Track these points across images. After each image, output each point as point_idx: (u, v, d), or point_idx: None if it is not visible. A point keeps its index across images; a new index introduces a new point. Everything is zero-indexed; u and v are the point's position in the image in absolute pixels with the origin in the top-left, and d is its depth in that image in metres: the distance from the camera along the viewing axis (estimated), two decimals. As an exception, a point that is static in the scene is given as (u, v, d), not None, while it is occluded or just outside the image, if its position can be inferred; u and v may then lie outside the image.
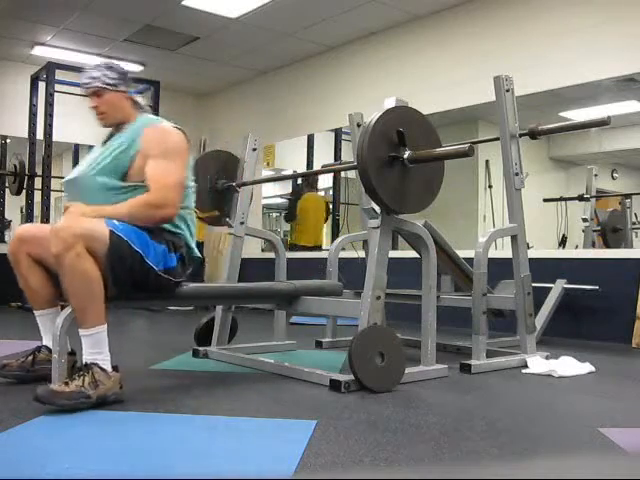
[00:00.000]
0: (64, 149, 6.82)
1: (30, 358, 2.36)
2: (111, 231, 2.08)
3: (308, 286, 2.82)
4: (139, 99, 2.46)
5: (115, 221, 2.12)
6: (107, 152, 2.29)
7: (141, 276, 2.16)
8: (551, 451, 1.66)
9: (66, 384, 1.94)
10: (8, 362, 2.36)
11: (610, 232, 5.07)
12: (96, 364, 2.02)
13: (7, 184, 5.95)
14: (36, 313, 2.35)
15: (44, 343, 2.38)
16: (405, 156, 2.38)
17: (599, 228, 5.15)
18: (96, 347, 2.05)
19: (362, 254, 3.64)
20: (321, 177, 6.76)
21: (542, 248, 4.83)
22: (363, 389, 2.29)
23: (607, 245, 5.05)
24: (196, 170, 3.08)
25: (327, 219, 6.63)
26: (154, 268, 2.17)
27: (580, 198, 5.21)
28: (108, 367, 2.05)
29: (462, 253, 3.54)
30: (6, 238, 6.74)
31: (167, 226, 2.28)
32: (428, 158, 2.44)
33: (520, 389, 2.53)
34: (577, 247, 5.21)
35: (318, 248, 6.53)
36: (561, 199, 5.51)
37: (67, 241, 1.98)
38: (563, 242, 5.26)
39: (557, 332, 4.04)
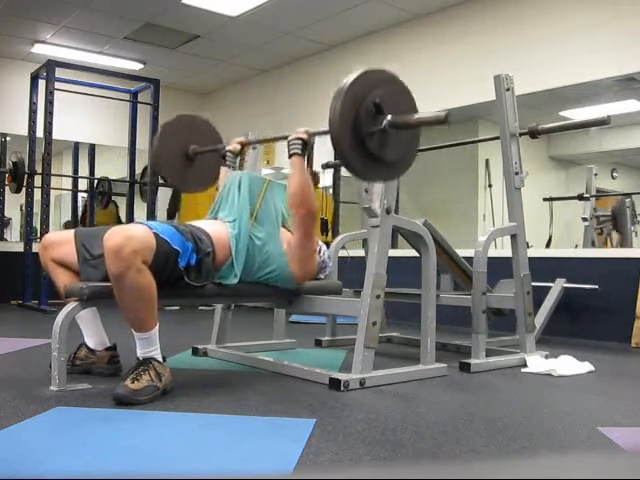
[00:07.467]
0: (64, 147, 6.81)
1: (72, 354, 2.47)
2: (155, 234, 2.10)
3: (308, 284, 2.82)
4: None
5: (152, 222, 2.19)
6: None
7: (170, 272, 2.17)
8: (550, 450, 1.66)
9: (137, 381, 2.01)
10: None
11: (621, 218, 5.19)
12: (153, 358, 2.10)
13: (7, 182, 5.94)
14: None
15: (84, 341, 2.50)
16: (384, 122, 2.15)
17: (609, 213, 5.23)
18: (152, 345, 2.12)
19: (354, 253, 3.64)
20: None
21: (539, 247, 4.84)
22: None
23: (618, 231, 5.19)
24: (164, 135, 2.99)
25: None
26: (180, 264, 2.18)
27: (580, 197, 5.21)
28: (161, 359, 2.14)
29: (462, 252, 3.54)
30: (6, 236, 6.75)
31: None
32: (408, 124, 2.22)
33: (519, 388, 2.53)
34: (577, 246, 5.21)
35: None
36: (561, 198, 5.52)
37: (129, 260, 1.97)
38: (548, 243, 5.27)
39: (556, 331, 4.05)
